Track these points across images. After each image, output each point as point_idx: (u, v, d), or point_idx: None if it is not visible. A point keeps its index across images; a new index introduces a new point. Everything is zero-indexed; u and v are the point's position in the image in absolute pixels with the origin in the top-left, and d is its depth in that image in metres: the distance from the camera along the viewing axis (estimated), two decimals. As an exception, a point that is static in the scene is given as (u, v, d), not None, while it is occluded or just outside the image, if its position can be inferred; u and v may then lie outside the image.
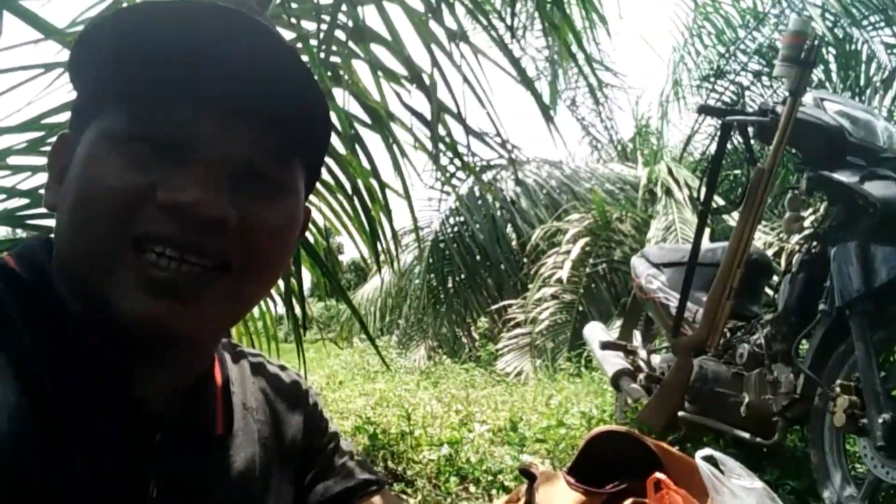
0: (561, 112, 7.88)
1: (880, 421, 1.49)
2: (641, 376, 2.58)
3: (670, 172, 5.94)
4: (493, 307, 6.50)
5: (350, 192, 2.01)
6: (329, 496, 0.70)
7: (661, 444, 1.50)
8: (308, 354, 2.30)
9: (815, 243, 1.89)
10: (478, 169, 6.58)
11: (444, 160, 2.20)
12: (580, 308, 5.47)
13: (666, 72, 7.88)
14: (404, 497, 2.13)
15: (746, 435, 1.97)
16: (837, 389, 1.62)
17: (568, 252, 5.55)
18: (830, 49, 5.58)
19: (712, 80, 6.36)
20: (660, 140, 7.82)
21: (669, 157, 7.02)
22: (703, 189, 2.16)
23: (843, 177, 1.73)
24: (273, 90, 0.51)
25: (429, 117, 1.84)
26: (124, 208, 0.49)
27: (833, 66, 5.69)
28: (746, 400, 1.96)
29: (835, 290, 1.68)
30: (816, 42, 1.80)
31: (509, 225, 6.63)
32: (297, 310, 1.98)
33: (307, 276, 2.20)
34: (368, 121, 1.89)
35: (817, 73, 5.56)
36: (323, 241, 2.26)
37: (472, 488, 2.22)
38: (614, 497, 1.41)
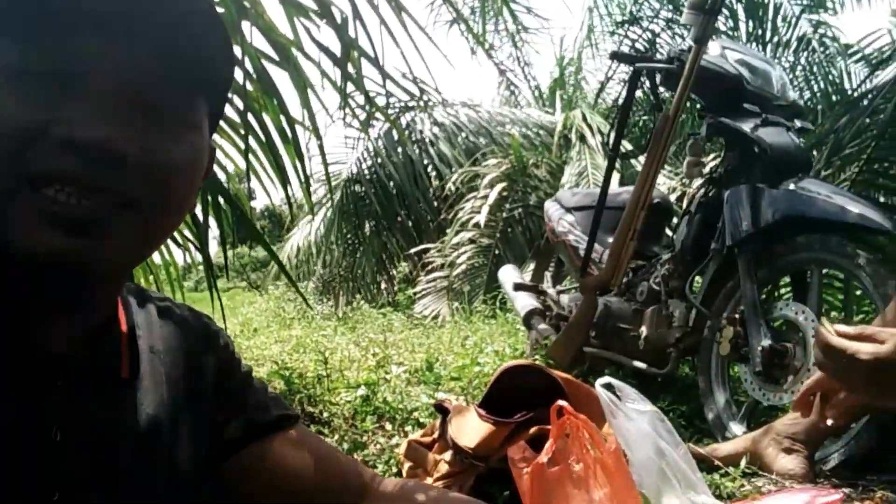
0: (479, 55, 7.82)
1: (759, 349, 1.63)
2: (551, 315, 2.70)
3: (584, 119, 6.07)
4: (412, 251, 6.54)
5: (259, 133, 1.93)
6: (244, 433, 0.71)
7: (565, 376, 1.59)
8: (222, 302, 2.24)
9: (711, 186, 2.01)
10: (396, 109, 6.47)
11: (360, 100, 2.15)
12: (496, 252, 5.59)
13: (581, 16, 7.93)
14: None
15: (644, 365, 2.11)
16: (724, 322, 1.76)
17: (485, 197, 5.62)
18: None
19: (626, 26, 6.47)
20: (575, 86, 7.93)
21: (584, 104, 7.15)
22: (613, 134, 2.23)
23: (739, 123, 1.83)
24: (173, 22, 0.50)
25: (340, 55, 1.78)
26: (20, 146, 0.47)
27: (742, 16, 5.88)
28: (644, 333, 2.09)
29: (726, 230, 1.80)
30: None
31: (428, 167, 6.61)
32: (243, 255, 1.92)
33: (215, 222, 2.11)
34: (276, 56, 1.81)
35: (726, 24, 5.75)
36: (234, 185, 2.17)
37: (388, 426, 2.27)
38: (522, 426, 1.50)
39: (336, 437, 2.14)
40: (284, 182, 1.97)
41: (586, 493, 1.10)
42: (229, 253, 2.34)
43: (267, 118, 1.92)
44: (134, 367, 0.61)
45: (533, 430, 1.43)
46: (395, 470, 1.71)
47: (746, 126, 1.81)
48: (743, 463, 1.45)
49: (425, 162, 6.57)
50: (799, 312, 1.64)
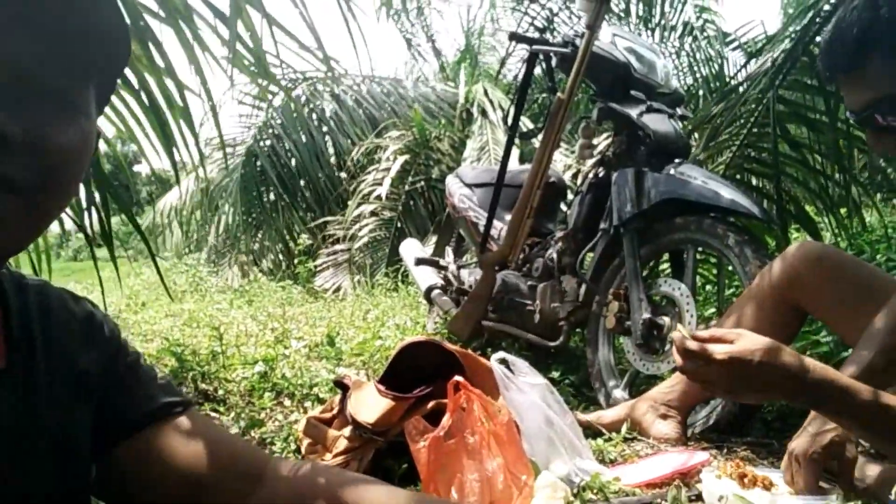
0: (383, 25, 7.69)
1: (640, 322, 1.76)
2: (451, 289, 2.76)
3: (486, 94, 6.14)
4: (313, 223, 6.41)
5: (142, 93, 1.81)
6: (129, 422, 0.69)
7: (463, 351, 1.64)
8: (103, 274, 2.11)
9: (601, 168, 2.11)
10: (293, 81, 6.27)
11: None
12: (398, 225, 5.60)
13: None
14: (216, 415, 2.11)
15: (538, 338, 2.22)
16: (610, 297, 1.87)
17: (388, 169, 5.59)
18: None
19: (526, 4, 6.57)
20: (479, 60, 7.99)
21: (486, 79, 7.23)
22: (512, 113, 2.29)
23: (626, 109, 1.93)
24: (64, 4, 0.50)
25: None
26: None
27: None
28: (539, 307, 2.19)
29: (613, 210, 1.91)
30: None
31: (328, 140, 6.48)
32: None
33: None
34: (160, 12, 1.69)
35: (618, 6, 5.96)
36: (113, 149, 2.03)
37: (286, 402, 2.25)
38: (420, 400, 1.54)
39: (232, 414, 2.09)
40: (170, 147, 1.86)
41: (480, 463, 1.16)
42: (114, 220, 2.19)
43: (150, 78, 1.80)
44: (11, 355, 0.60)
45: (431, 404, 1.47)
46: (293, 447, 1.70)
47: (633, 112, 1.92)
48: (624, 429, 1.56)
49: (325, 132, 6.43)
50: (675, 288, 1.77)
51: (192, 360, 2.50)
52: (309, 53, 1.86)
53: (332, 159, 6.57)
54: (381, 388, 1.51)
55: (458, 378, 1.22)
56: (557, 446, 1.29)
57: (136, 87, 1.80)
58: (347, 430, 1.50)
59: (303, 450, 1.60)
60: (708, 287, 3.13)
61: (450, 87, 7.31)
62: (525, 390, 1.31)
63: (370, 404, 1.48)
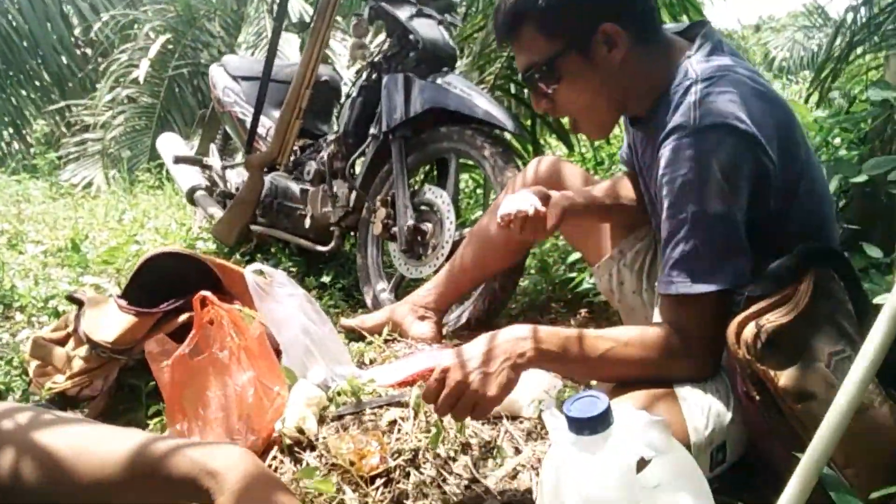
0: None
1: (405, 229, 1.81)
2: (217, 191, 2.58)
3: (264, -29, 5.58)
4: (53, 107, 5.46)
5: None
6: None
7: (221, 262, 1.55)
8: None
9: (373, 71, 2.05)
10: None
11: None
12: (161, 114, 5.02)
13: None
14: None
15: (309, 243, 2.18)
16: (378, 203, 1.89)
17: (146, 49, 4.90)
18: None
19: None
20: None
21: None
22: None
23: (397, 11, 1.87)
24: None
25: None
26: None
27: None
28: (310, 212, 2.14)
29: (383, 116, 1.89)
30: None
31: (69, 8, 5.41)
32: None
33: None
34: None
35: None
36: None
37: (18, 316, 1.99)
38: (169, 315, 1.44)
39: (-58, 335, 1.79)
40: None
41: (230, 378, 1.12)
42: None
43: None
44: None
45: (182, 318, 1.39)
46: (20, 370, 1.51)
47: (403, 15, 1.87)
48: (385, 331, 1.63)
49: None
50: (438, 196, 1.84)
51: None
52: None
53: (77, 31, 5.56)
54: (122, 303, 1.38)
55: (204, 293, 1.15)
56: (315, 354, 1.31)
57: None
58: (84, 350, 1.36)
59: (30, 372, 1.43)
60: (479, 191, 3.32)
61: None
62: (282, 301, 1.29)
63: (109, 322, 1.35)
